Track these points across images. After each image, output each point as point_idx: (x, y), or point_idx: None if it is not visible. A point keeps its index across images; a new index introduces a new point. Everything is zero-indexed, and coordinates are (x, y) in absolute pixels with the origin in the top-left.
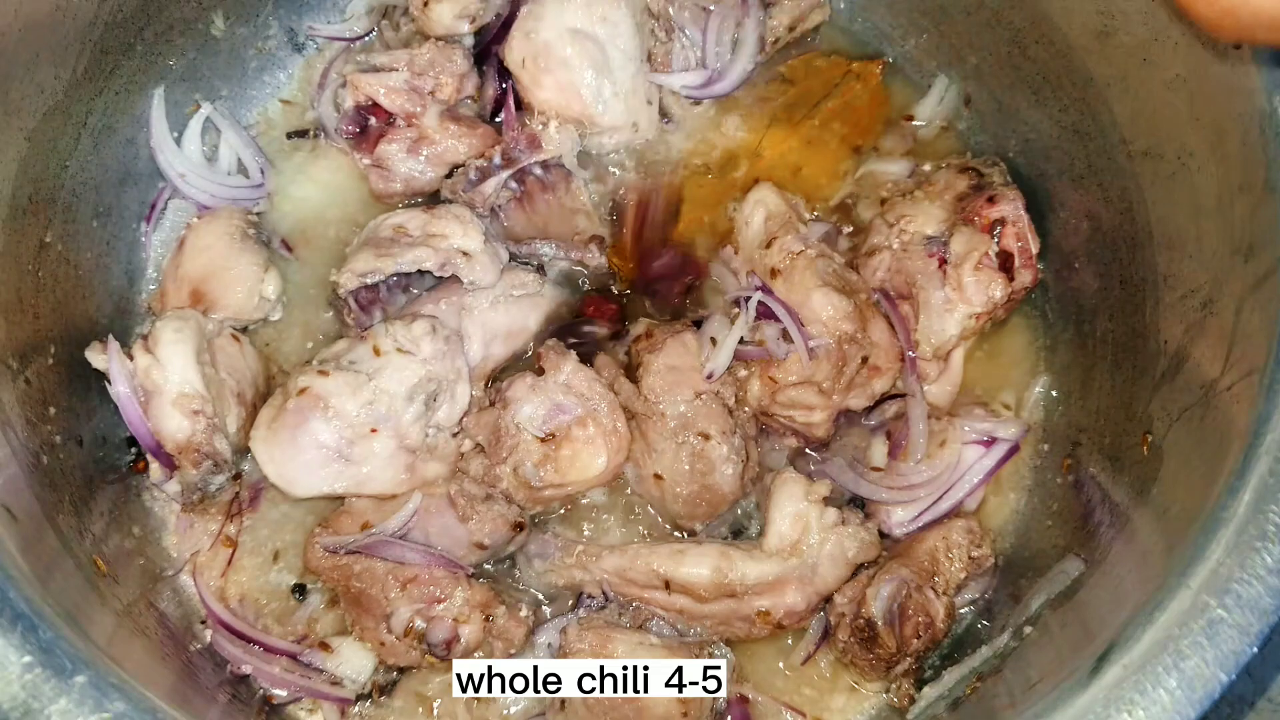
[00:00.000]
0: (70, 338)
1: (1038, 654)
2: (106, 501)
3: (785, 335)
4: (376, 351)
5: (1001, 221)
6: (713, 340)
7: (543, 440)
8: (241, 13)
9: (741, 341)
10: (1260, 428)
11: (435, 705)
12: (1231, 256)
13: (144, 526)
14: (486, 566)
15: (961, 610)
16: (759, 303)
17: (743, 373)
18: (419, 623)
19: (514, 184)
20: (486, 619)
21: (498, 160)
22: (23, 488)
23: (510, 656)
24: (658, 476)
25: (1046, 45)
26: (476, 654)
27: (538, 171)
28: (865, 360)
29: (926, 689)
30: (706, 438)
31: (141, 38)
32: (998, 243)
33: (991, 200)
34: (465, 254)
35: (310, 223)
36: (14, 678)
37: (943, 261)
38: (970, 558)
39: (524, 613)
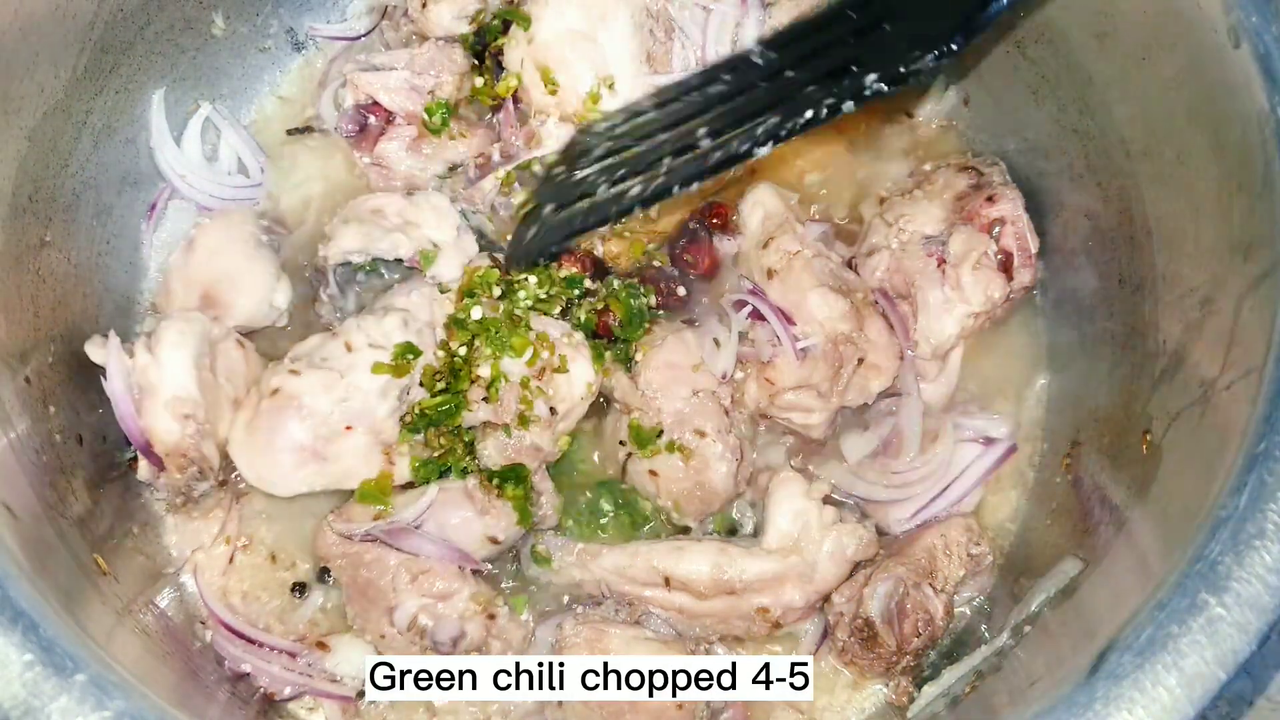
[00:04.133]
0: (70, 336)
1: (1037, 652)
2: (106, 500)
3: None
4: (348, 347)
5: (1001, 221)
6: (715, 341)
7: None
8: (242, 12)
9: (740, 340)
10: (1259, 426)
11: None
12: (1230, 255)
13: (144, 525)
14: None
15: (961, 609)
16: (751, 307)
17: (739, 375)
18: (424, 619)
19: (515, 184)
20: (490, 618)
21: (497, 158)
22: (23, 486)
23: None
24: (653, 472)
25: (1046, 45)
26: (476, 653)
27: (536, 169)
28: (862, 360)
29: (926, 687)
30: (702, 435)
31: (142, 37)
32: (997, 242)
33: (991, 199)
34: (435, 245)
35: (308, 218)
36: (15, 676)
37: (942, 261)
38: (969, 555)
39: (525, 616)
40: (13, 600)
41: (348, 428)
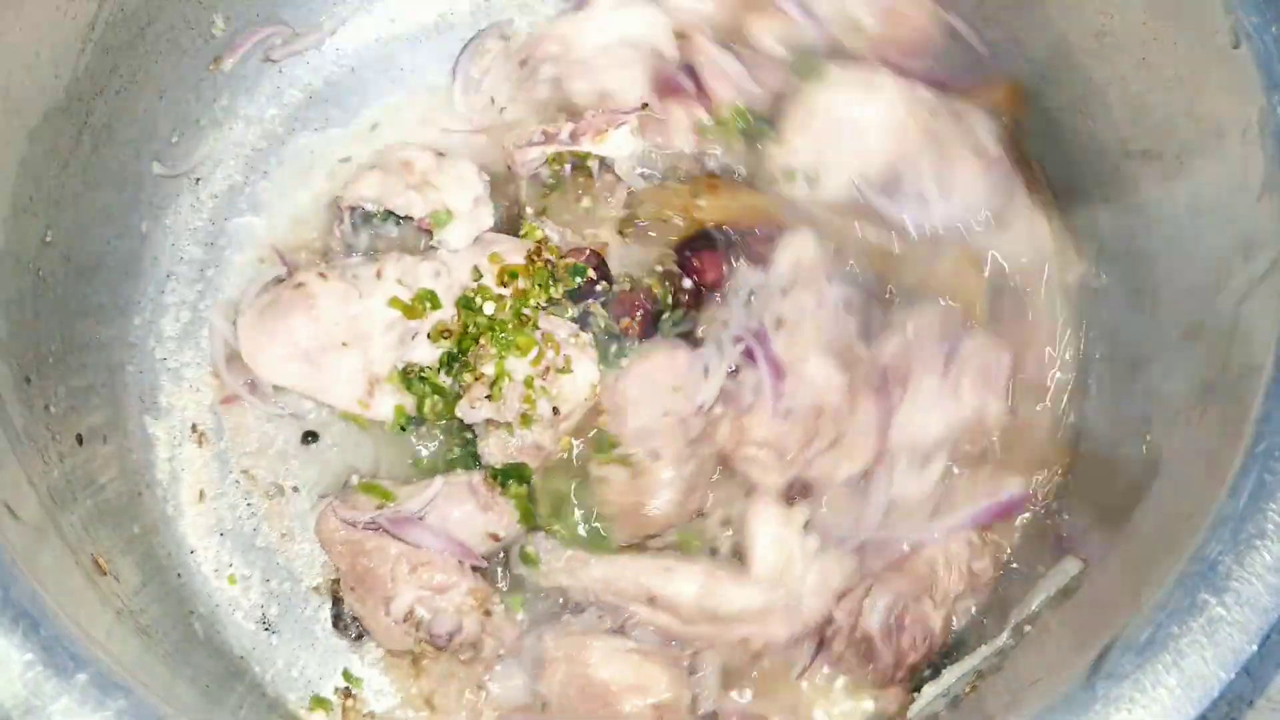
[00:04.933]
0: (70, 336)
1: (1038, 653)
2: (106, 499)
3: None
4: (379, 274)
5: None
6: (706, 369)
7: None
8: (242, 14)
9: (730, 376)
10: (1259, 426)
11: (434, 698)
12: (1230, 255)
13: (144, 524)
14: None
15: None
16: (748, 347)
17: (718, 409)
18: (421, 610)
19: (566, 165)
20: (486, 614)
21: (564, 136)
22: (23, 485)
23: (499, 656)
24: (602, 479)
25: (1046, 45)
26: (469, 648)
27: (592, 164)
28: (836, 442)
29: (926, 687)
30: (657, 457)
31: (143, 37)
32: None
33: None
34: (449, 211)
35: None
36: (16, 676)
37: (950, 358)
38: (970, 570)
39: (520, 615)
40: (14, 600)
41: (344, 344)
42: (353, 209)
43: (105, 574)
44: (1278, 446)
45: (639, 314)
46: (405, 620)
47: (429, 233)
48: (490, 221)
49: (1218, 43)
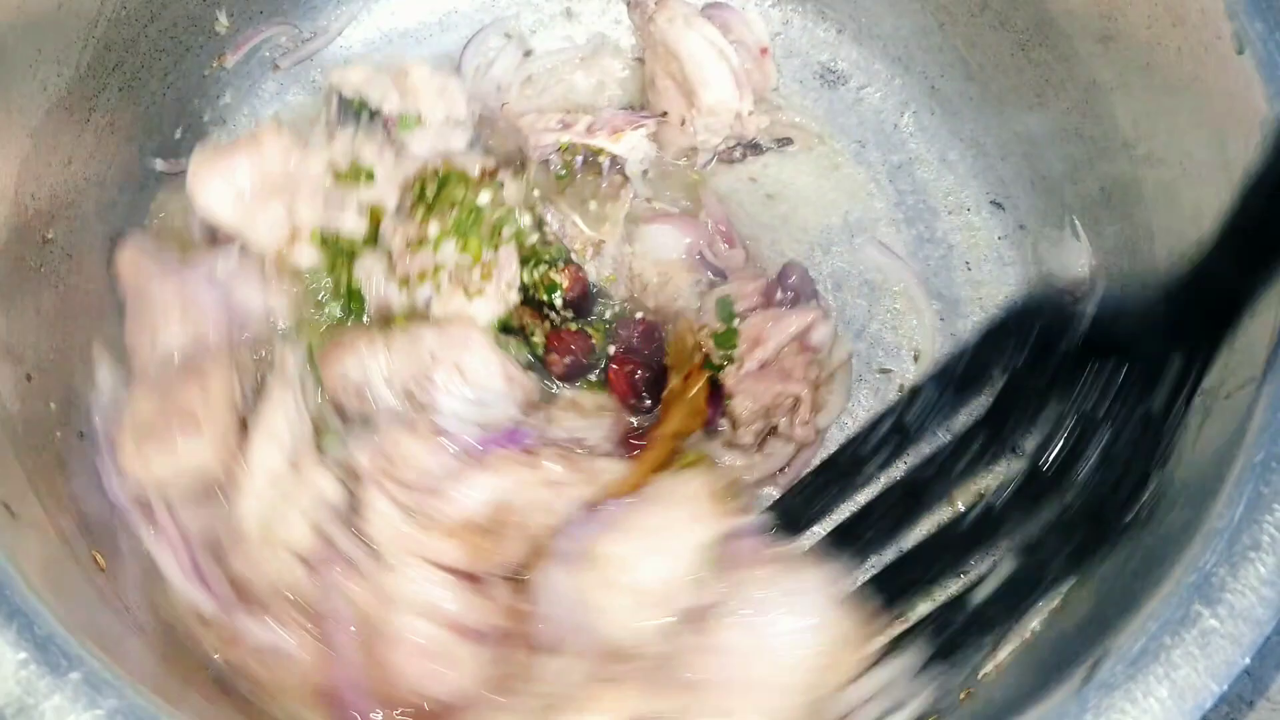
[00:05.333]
0: (71, 334)
1: (1030, 663)
2: (106, 497)
3: None
4: (330, 137)
5: None
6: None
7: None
8: (245, 10)
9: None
10: (1257, 437)
11: None
12: None
13: None
14: None
15: None
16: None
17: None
18: (174, 352)
19: (578, 156)
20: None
21: (580, 128)
22: (21, 483)
23: None
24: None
25: (1049, 49)
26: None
27: (603, 161)
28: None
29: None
30: (374, 351)
31: (145, 34)
32: None
33: None
34: (419, 118)
35: None
36: (9, 674)
37: None
38: None
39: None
40: (8, 597)
41: (275, 192)
42: (336, 94)
43: (103, 570)
44: (1274, 458)
45: (568, 360)
46: (166, 357)
47: (387, 130)
48: (460, 146)
49: (1221, 49)
